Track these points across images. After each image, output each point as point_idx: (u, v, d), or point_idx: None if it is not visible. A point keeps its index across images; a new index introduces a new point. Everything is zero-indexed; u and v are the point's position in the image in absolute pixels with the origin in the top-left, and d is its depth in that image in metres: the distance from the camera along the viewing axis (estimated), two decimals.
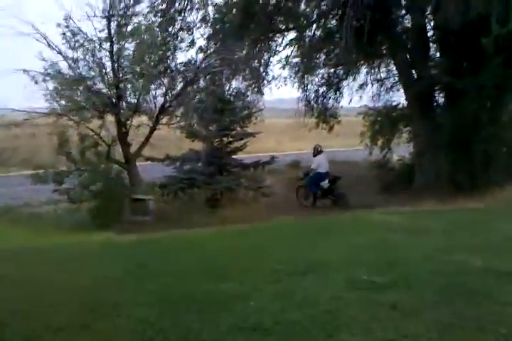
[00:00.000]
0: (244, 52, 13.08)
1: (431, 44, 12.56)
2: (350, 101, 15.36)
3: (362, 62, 14.65)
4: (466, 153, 10.60)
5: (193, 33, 13.32)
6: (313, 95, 15.07)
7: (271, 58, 14.60)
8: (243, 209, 8.79)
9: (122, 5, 10.04)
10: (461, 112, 10.34)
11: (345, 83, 15.43)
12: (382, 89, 15.21)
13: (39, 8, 9.39)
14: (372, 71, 15.53)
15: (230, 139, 10.79)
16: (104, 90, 10.11)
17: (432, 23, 12.20)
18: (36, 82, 9.22)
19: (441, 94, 12.57)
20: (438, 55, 12.68)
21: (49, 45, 9.47)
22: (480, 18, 8.74)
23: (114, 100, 9.96)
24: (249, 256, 4.72)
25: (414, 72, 12.28)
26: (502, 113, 10.77)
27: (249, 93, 14.32)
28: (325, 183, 10.39)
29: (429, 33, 12.44)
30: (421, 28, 11.94)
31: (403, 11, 12.74)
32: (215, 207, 9.11)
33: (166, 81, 11.42)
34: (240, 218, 8.28)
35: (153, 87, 10.92)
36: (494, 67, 9.37)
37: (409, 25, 12.80)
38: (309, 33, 13.97)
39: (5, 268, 4.65)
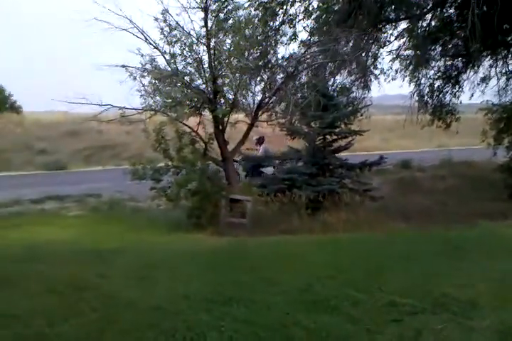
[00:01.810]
0: (351, 44, 12.11)
1: None
2: (472, 96, 13.60)
3: (485, 53, 12.92)
4: None
5: (295, 26, 12.68)
6: (427, 90, 13.57)
7: (380, 50, 13.44)
8: (348, 215, 7.78)
9: None
10: None
11: (464, 76, 13.76)
12: (510, 82, 13.35)
13: (136, 2, 9.13)
14: (498, 63, 13.66)
15: (334, 137, 9.84)
16: (202, 86, 9.74)
17: None
18: (135, 78, 9.10)
19: None
20: None
21: (146, 40, 9.30)
22: None
23: (210, 96, 9.54)
24: (360, 281, 3.74)
25: None
26: None
27: (354, 88, 13.30)
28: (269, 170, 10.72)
29: None
30: None
31: None
32: (316, 210, 8.23)
33: (265, 76, 10.84)
34: (345, 224, 7.31)
35: (252, 82, 10.41)
36: None
37: None
38: (423, 23, 12.72)
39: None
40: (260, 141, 12.18)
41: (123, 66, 9.04)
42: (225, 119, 9.89)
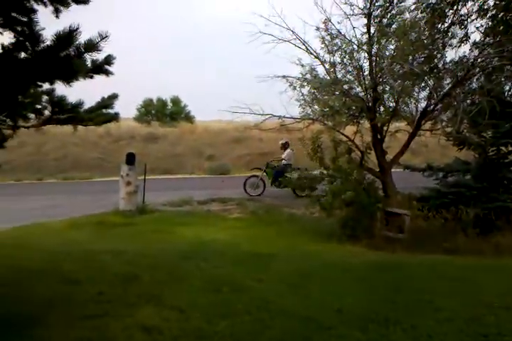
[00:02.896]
0: None
1: None
2: None
3: None
4: None
5: (466, 26, 11.62)
6: None
7: None
8: None
9: (383, 2, 9.35)
10: None
11: None
12: None
13: (297, 13, 9.33)
14: None
15: (511, 149, 8.71)
16: (361, 94, 9.53)
17: None
18: (295, 88, 9.31)
19: None
20: None
21: (307, 50, 9.45)
22: None
23: (369, 104, 9.26)
24: None
25: None
26: None
27: None
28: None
29: None
30: None
31: None
32: (487, 230, 7.33)
33: (430, 82, 10.13)
34: None
35: (415, 88, 9.83)
36: None
37: None
38: None
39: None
40: (285, 145, 13.01)
41: (284, 76, 9.36)
42: (384, 128, 9.51)
